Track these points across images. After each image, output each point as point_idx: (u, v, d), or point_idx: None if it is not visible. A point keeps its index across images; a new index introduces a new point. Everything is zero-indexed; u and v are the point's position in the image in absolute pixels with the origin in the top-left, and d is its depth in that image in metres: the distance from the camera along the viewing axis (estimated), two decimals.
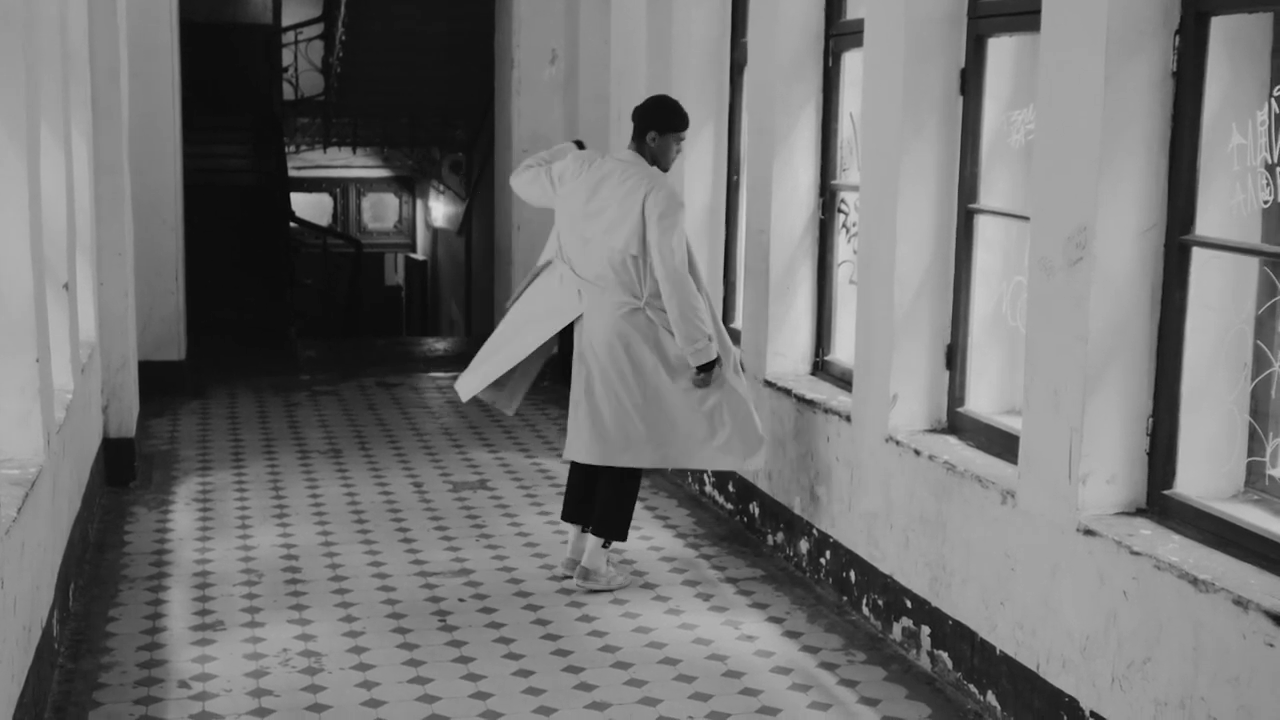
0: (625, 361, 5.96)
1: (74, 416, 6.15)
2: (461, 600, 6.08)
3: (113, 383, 7.98)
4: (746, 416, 6.07)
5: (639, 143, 6.09)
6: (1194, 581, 3.90)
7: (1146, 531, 4.29)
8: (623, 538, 6.23)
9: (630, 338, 5.96)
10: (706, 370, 5.96)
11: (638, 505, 7.55)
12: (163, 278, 10.34)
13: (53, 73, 6.07)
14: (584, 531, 6.26)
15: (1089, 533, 4.36)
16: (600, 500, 6.16)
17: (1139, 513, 4.44)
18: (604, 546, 6.18)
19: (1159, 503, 4.41)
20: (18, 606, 4.36)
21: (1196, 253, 4.29)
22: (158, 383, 10.00)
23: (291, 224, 17.20)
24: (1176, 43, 4.26)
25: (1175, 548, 4.14)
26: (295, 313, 15.94)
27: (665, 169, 6.10)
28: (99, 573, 6.41)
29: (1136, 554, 4.14)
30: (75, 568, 6.08)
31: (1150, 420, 4.42)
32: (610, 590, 6.13)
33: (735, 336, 7.64)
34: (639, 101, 8.43)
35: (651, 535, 7.05)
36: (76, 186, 6.86)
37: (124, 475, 7.96)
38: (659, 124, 6.06)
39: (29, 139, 4.94)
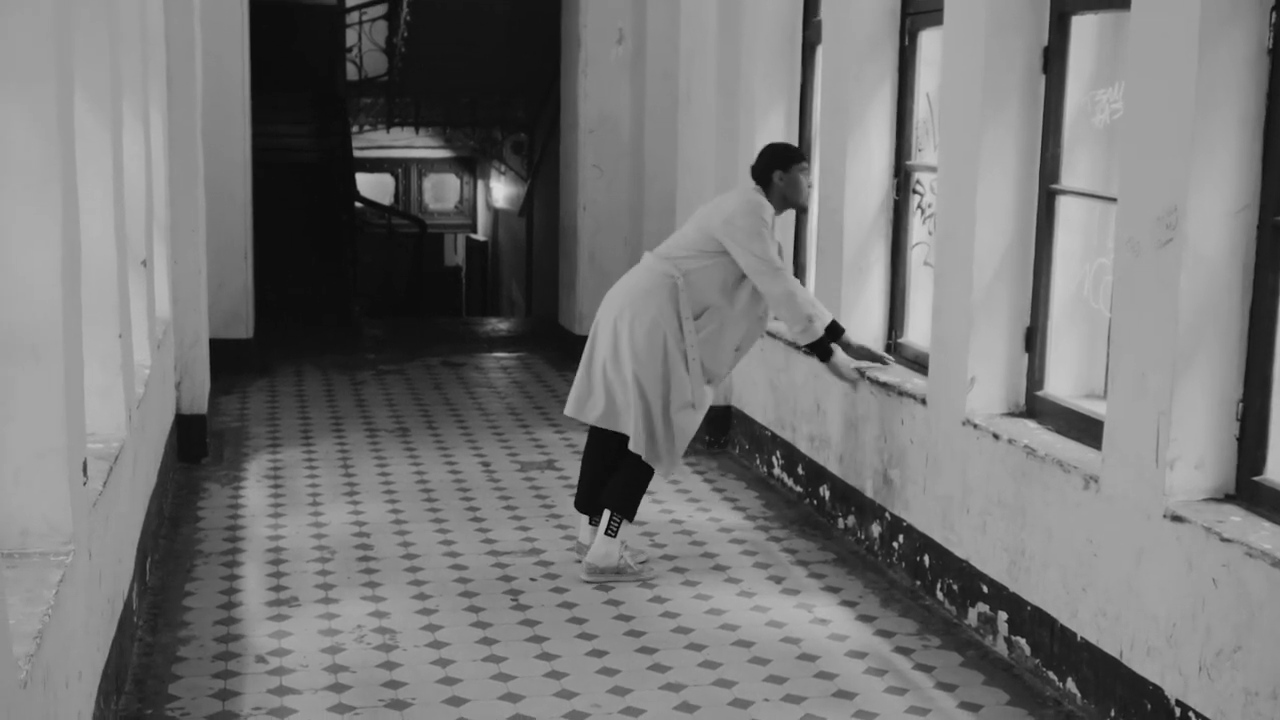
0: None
1: (151, 392, 6.20)
2: (533, 580, 6.09)
3: (185, 359, 8.05)
4: (649, 430, 6.01)
5: (766, 188, 6.13)
6: None
7: (1236, 518, 4.21)
8: (630, 517, 6.14)
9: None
10: (814, 353, 6.17)
11: (706, 486, 7.56)
12: (231, 255, 10.42)
13: (132, 51, 6.10)
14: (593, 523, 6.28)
15: (1177, 519, 4.29)
16: (615, 478, 6.16)
17: (1228, 499, 4.37)
18: (609, 534, 6.09)
19: (1249, 489, 4.33)
20: (103, 579, 4.40)
21: None
22: (226, 360, 10.08)
23: (356, 203, 17.26)
24: (1273, 18, 4.17)
25: (1267, 535, 4.07)
26: (359, 292, 16.02)
27: (801, 205, 6.27)
28: (174, 547, 6.47)
29: (1227, 541, 4.07)
30: (152, 542, 6.14)
31: (1240, 404, 4.34)
32: (621, 572, 6.06)
33: None
34: (707, 82, 8.44)
35: (721, 517, 7.03)
36: (154, 163, 6.90)
37: (196, 451, 8.03)
38: (783, 163, 6.11)
39: (112, 115, 4.97)
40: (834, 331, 6.19)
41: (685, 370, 6.01)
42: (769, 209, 6.05)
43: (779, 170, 6.11)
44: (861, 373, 6.27)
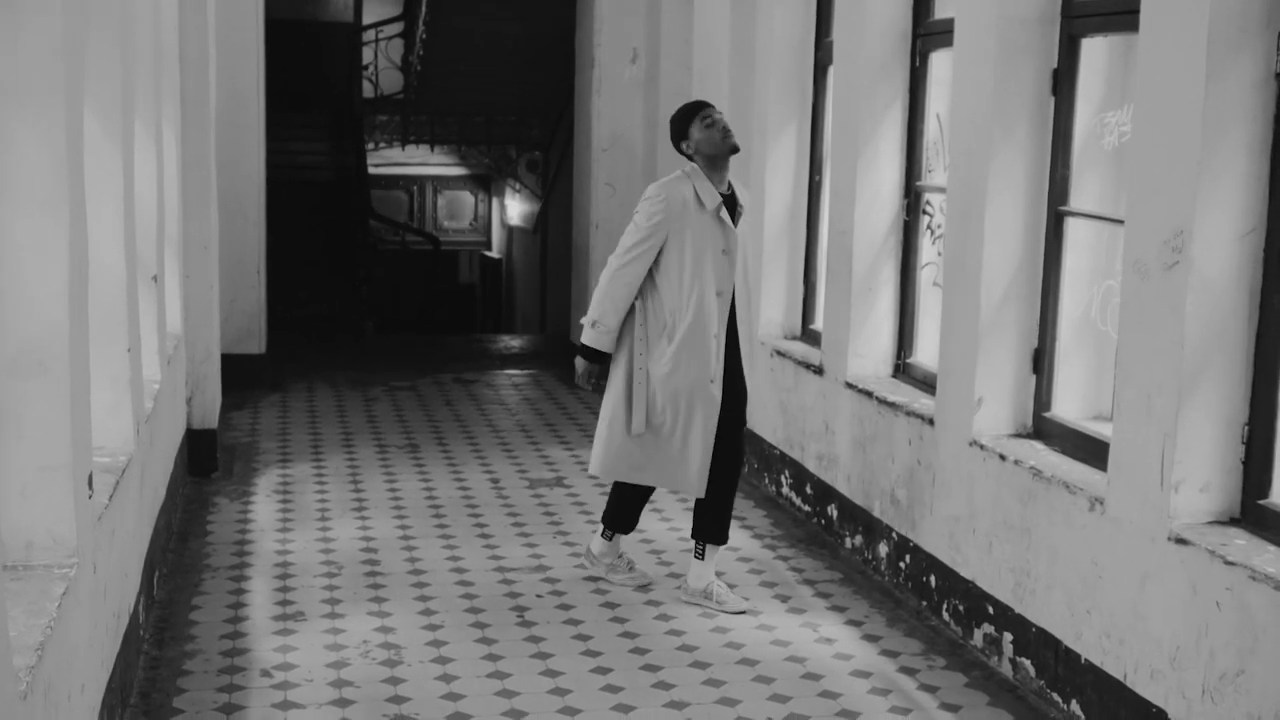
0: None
1: (161, 407, 6.22)
2: (539, 596, 6.09)
3: (196, 374, 8.09)
4: (602, 436, 6.00)
5: (690, 158, 5.92)
6: None
7: (1241, 541, 4.20)
8: (614, 529, 6.25)
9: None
10: (585, 357, 5.95)
11: None
12: (244, 271, 10.46)
13: (145, 69, 6.14)
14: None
15: (1181, 541, 4.28)
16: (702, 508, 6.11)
17: (1232, 522, 4.36)
18: (603, 536, 6.31)
19: (1254, 512, 4.32)
20: (108, 593, 4.42)
21: None
22: (239, 375, 10.12)
23: (371, 221, 17.33)
24: None
25: (1271, 558, 4.06)
26: (372, 308, 16.07)
27: (724, 150, 5.80)
28: (183, 561, 6.49)
29: (1231, 564, 4.06)
30: (160, 556, 6.16)
31: (1246, 428, 4.33)
32: (708, 596, 6.01)
33: (815, 338, 7.61)
34: (720, 101, 8.46)
35: (729, 536, 7.01)
36: (166, 180, 6.94)
37: (206, 466, 8.06)
38: (681, 130, 5.91)
39: (124, 134, 5.00)
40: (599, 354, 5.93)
41: (633, 400, 5.88)
42: (674, 189, 5.80)
43: (683, 140, 5.91)
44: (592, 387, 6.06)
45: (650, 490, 6.20)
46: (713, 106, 5.94)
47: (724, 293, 5.83)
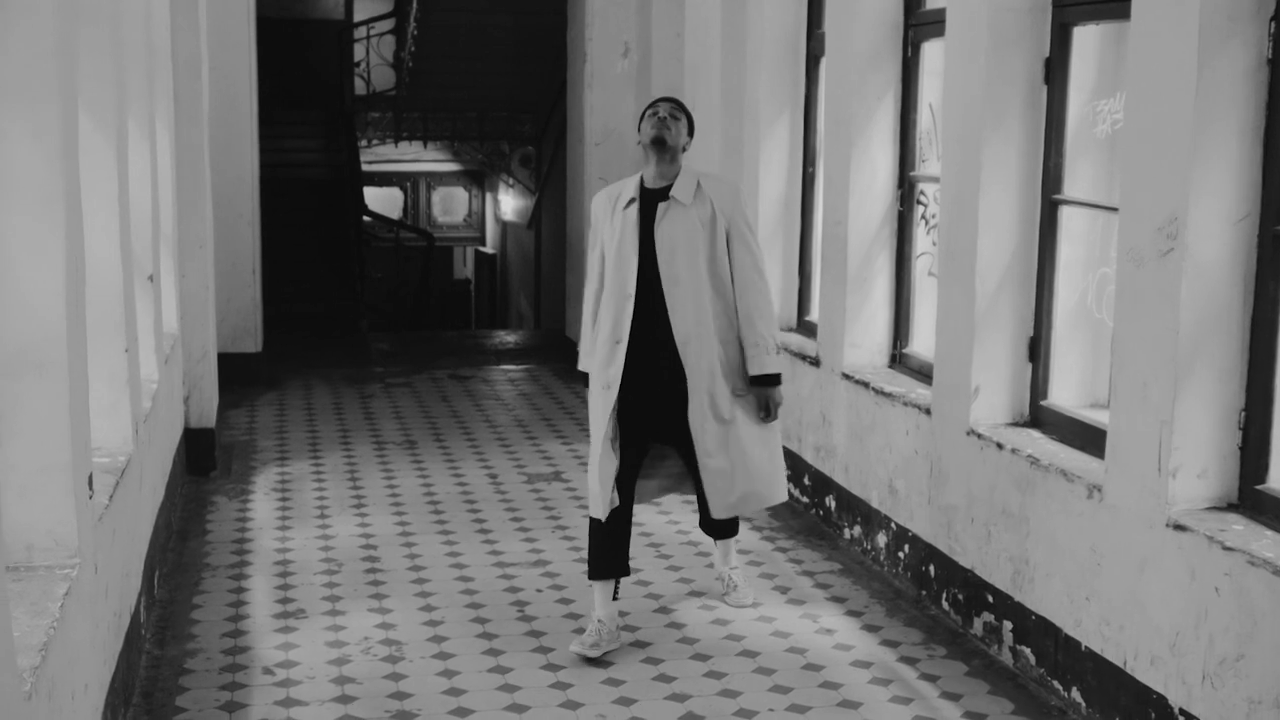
0: None
1: (159, 406, 6.23)
2: (539, 591, 6.10)
3: (194, 373, 8.09)
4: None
5: None
6: None
7: (1239, 527, 4.22)
8: (590, 575, 5.51)
9: None
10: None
11: None
12: (240, 270, 10.46)
13: (137, 66, 6.14)
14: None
15: (1179, 528, 4.30)
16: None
17: (1230, 508, 4.37)
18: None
19: (1251, 498, 4.33)
20: (109, 592, 4.42)
21: None
22: (235, 374, 10.12)
23: (365, 217, 17.32)
24: (1272, 29, 4.18)
25: (1269, 543, 4.07)
26: (367, 305, 16.06)
27: (645, 139, 5.40)
28: (183, 560, 6.50)
29: (1229, 549, 4.07)
30: (160, 555, 6.16)
31: (1243, 414, 4.34)
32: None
33: (811, 329, 7.61)
34: (712, 94, 8.47)
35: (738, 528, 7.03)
36: (160, 179, 6.94)
37: (205, 465, 8.06)
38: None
39: (117, 132, 5.00)
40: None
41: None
42: (605, 193, 5.56)
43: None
44: None
45: (616, 531, 5.42)
46: (664, 104, 5.48)
47: (630, 295, 5.34)
